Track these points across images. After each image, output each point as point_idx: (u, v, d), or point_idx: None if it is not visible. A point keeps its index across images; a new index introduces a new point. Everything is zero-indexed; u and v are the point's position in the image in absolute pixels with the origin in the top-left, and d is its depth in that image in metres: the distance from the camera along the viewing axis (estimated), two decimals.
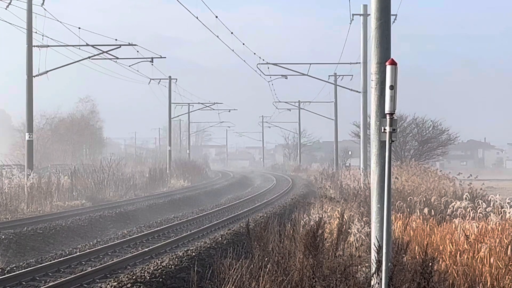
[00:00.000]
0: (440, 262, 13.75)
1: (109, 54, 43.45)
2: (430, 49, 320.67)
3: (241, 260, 13.37)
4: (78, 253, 21.15)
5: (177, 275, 16.88)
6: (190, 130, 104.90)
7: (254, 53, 46.26)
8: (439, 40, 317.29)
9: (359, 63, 43.45)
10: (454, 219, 19.40)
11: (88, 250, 21.71)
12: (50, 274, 18.16)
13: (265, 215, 29.87)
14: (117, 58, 44.81)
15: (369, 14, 12.92)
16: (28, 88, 39.24)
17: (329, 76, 61.97)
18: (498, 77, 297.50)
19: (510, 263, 13.43)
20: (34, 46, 39.63)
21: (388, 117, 11.42)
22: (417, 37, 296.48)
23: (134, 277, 15.90)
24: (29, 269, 18.13)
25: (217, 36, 36.65)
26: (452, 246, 15.68)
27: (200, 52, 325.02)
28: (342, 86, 57.77)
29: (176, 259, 18.22)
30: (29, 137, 39.45)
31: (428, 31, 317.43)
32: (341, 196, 32.65)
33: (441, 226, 19.41)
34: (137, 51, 45.13)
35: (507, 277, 13.18)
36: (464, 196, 24.28)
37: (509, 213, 20.06)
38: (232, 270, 12.78)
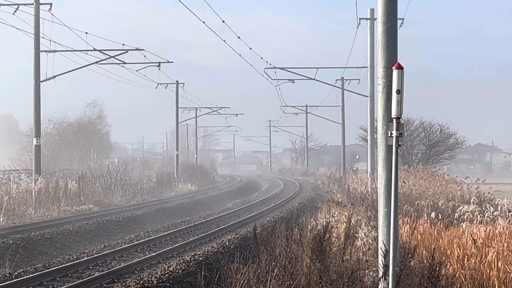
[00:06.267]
0: (448, 266, 13.73)
1: (116, 59, 43.55)
2: (436, 51, 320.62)
3: (248, 264, 13.36)
4: (85, 258, 21.17)
5: (184, 279, 16.91)
6: (197, 135, 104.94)
7: (261, 58, 46.31)
8: (446, 42, 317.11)
9: (366, 67, 43.41)
10: (462, 223, 19.37)
11: (96, 255, 21.73)
12: (57, 278, 18.18)
13: (272, 219, 29.88)
14: (124, 63, 44.92)
15: (376, 18, 12.93)
16: (36, 93, 39.32)
17: (336, 80, 61.88)
18: (506, 80, 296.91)
19: None
20: (42, 51, 39.69)
21: (394, 121, 11.42)
22: (422, 39, 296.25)
23: (141, 282, 15.93)
24: (36, 274, 18.16)
25: (224, 41, 36.72)
26: (460, 250, 15.66)
27: (208, 56, 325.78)
28: (349, 90, 57.77)
29: (183, 264, 18.23)
30: (37, 142, 39.53)
31: (434, 33, 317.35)
32: (348, 200, 32.61)
33: (448, 230, 19.39)
34: (144, 56, 45.21)
35: None
36: (472, 200, 24.23)
37: None
38: (239, 274, 12.77)
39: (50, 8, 38.60)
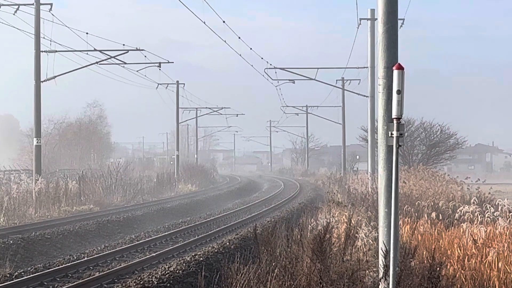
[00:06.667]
0: (448, 267, 13.73)
1: (116, 59, 43.52)
2: (436, 51, 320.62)
3: (248, 265, 13.35)
4: (86, 258, 21.17)
5: (185, 280, 16.91)
6: (197, 135, 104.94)
7: (262, 58, 46.26)
8: (446, 42, 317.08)
9: (367, 67, 43.40)
10: (462, 224, 19.37)
11: (96, 255, 21.72)
12: (57, 279, 18.18)
13: (273, 219, 29.87)
14: (125, 63, 44.89)
15: (376, 19, 12.96)
16: (36, 93, 39.31)
17: (336, 80, 61.88)
18: (506, 80, 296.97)
19: None
20: (42, 51, 39.69)
21: (395, 121, 11.41)
22: (422, 40, 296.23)
23: (141, 282, 15.93)
24: (36, 274, 18.15)
25: (225, 41, 36.73)
26: (460, 250, 15.66)
27: (208, 56, 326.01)
28: (349, 90, 57.72)
29: (184, 264, 18.23)
30: (37, 142, 39.52)
31: (433, 33, 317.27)
32: (348, 200, 32.60)
33: (449, 231, 19.40)
34: (145, 56, 45.20)
35: None
36: (472, 201, 24.23)
37: None
38: (240, 275, 12.77)
39: (51, 8, 38.62)
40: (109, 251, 22.69)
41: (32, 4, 38.75)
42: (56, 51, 40.76)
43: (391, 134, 11.52)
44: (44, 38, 39.23)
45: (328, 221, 20.06)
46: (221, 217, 36.26)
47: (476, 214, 20.85)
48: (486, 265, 14.02)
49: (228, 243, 22.25)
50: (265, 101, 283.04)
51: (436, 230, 19.34)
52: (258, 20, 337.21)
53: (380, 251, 11.59)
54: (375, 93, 37.64)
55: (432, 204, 24.41)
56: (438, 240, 17.79)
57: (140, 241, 25.34)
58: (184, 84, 71.55)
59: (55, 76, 40.55)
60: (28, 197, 35.48)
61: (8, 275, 18.06)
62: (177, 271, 17.37)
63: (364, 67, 47.52)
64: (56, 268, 19.21)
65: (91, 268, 20.00)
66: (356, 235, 17.48)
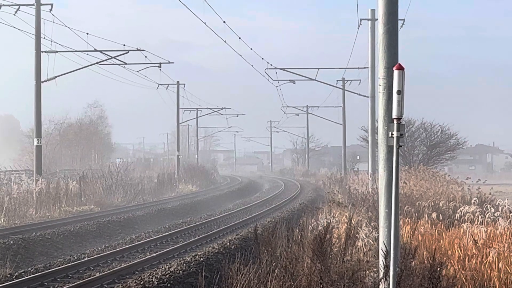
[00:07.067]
0: (449, 267, 13.73)
1: (117, 59, 43.50)
2: (436, 52, 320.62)
3: (249, 265, 13.35)
4: (86, 259, 21.17)
5: (185, 280, 16.91)
6: (198, 135, 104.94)
7: (262, 58, 46.22)
8: (445, 43, 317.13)
9: (367, 67, 43.37)
10: (463, 224, 19.34)
11: (96, 256, 21.73)
12: (58, 279, 18.18)
13: (273, 220, 29.87)
14: (125, 63, 44.86)
15: (377, 19, 13.00)
16: (37, 93, 39.33)
17: (337, 81, 61.82)
18: (506, 80, 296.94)
19: None
20: (43, 51, 39.71)
21: (395, 122, 11.41)
22: (422, 40, 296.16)
23: (142, 283, 15.93)
24: (37, 274, 18.15)
25: (225, 41, 36.72)
26: (461, 251, 15.66)
27: (208, 57, 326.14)
28: (350, 91, 57.68)
29: (184, 264, 18.23)
30: (38, 143, 39.54)
31: (433, 33, 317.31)
32: (349, 201, 32.58)
33: (449, 231, 19.39)
34: (145, 56, 45.19)
35: None
36: (473, 201, 24.19)
37: None
38: (240, 275, 12.77)
39: (51, 8, 38.65)
40: (110, 252, 22.68)
41: (33, 5, 38.77)
42: (57, 52, 40.78)
43: (392, 134, 11.52)
44: (44, 38, 39.32)
45: (329, 221, 20.05)
46: (221, 217, 36.26)
47: (476, 214, 20.82)
48: (486, 266, 14.03)
49: (228, 244, 22.25)
50: (265, 102, 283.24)
51: (436, 231, 19.33)
52: (258, 20, 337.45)
53: (380, 251, 11.59)
54: (376, 94, 37.63)
55: (432, 204, 24.39)
56: (438, 240, 17.79)
57: (140, 242, 25.34)
58: (184, 84, 71.54)
59: (56, 77, 40.57)
60: (29, 197, 35.49)
61: (8, 275, 18.07)
62: (178, 272, 17.37)
63: (365, 68, 47.55)
64: (56, 268, 19.21)
65: (92, 268, 20.00)
66: (357, 235, 17.47)
